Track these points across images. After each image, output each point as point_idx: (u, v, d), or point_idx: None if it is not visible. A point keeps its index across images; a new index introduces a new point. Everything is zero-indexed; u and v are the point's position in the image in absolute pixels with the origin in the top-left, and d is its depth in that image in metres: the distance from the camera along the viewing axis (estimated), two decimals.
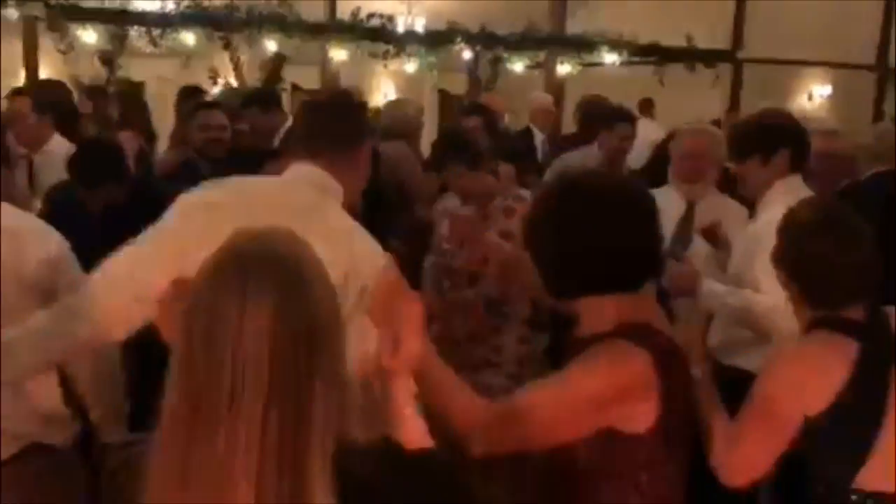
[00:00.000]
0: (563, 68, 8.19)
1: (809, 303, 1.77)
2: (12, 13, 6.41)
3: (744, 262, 2.54)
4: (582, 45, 8.06)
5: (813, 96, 10.22)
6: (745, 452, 1.67)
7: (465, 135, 3.48)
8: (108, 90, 6.33)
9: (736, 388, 1.80)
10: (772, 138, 2.59)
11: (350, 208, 1.80)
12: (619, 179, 1.83)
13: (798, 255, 1.78)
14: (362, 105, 2.02)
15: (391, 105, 4.72)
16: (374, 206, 3.66)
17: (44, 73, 6.87)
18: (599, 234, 1.50)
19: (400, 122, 4.44)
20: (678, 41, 8.41)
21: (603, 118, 4.60)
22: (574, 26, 8.39)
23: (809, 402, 1.64)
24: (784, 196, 2.50)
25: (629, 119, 4.58)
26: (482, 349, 3.08)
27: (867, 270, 1.73)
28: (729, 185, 3.16)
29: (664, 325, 1.58)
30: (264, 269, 0.94)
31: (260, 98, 4.81)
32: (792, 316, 2.26)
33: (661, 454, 1.47)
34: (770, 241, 2.38)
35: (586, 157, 4.53)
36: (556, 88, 8.10)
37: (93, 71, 6.83)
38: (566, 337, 1.63)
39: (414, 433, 1.18)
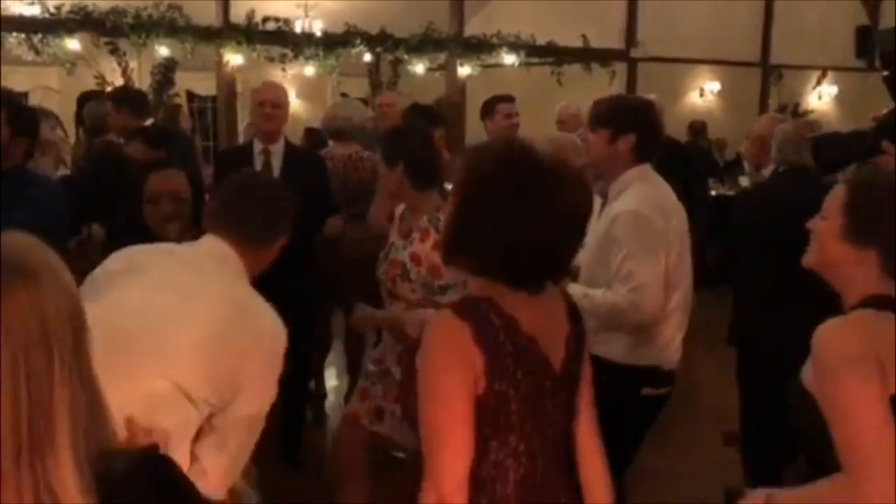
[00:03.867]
0: (464, 70, 8.24)
1: (887, 268, 1.62)
2: None
3: (599, 254, 2.56)
4: (481, 47, 8.13)
5: (704, 92, 10.62)
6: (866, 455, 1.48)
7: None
8: None
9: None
10: (625, 119, 2.61)
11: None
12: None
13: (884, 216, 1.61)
14: (287, 199, 2.04)
15: (338, 107, 4.61)
16: (326, 208, 3.73)
17: None
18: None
19: (351, 123, 4.36)
20: (574, 42, 8.59)
21: (484, 108, 4.63)
22: (472, 28, 8.46)
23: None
24: (638, 183, 2.61)
25: (508, 99, 4.64)
26: None
27: None
28: None
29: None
30: None
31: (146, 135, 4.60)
32: (637, 308, 2.41)
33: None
34: (628, 229, 2.47)
35: None
36: (458, 90, 8.14)
37: None
38: None
39: None
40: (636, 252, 2.46)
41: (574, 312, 1.66)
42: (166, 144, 3.99)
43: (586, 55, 8.69)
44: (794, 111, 9.97)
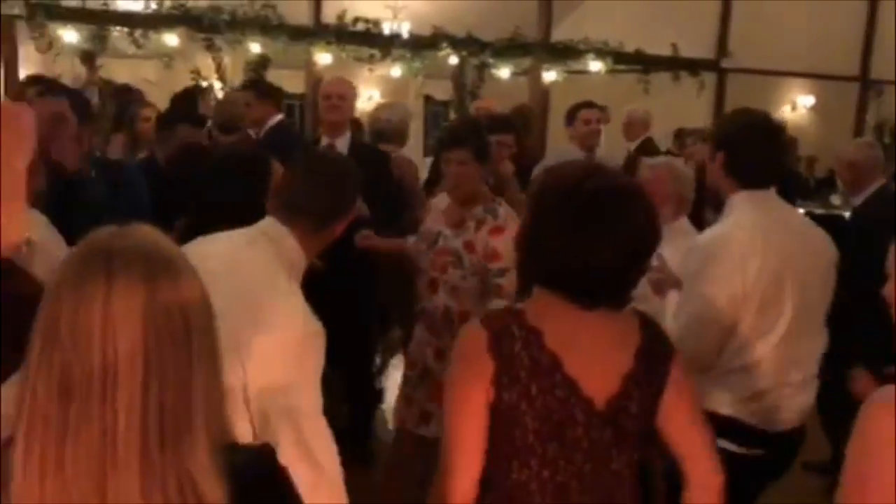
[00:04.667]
0: (549, 75, 8.19)
1: None
2: None
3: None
4: (568, 53, 8.07)
5: (797, 106, 10.30)
6: None
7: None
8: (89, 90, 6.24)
9: None
10: (719, 135, 2.42)
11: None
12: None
13: None
14: (351, 174, 1.94)
15: (381, 108, 4.70)
16: (389, 206, 3.72)
17: (23, 73, 6.78)
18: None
19: (391, 125, 4.43)
20: (663, 50, 8.44)
21: (567, 114, 4.73)
22: (559, 33, 8.40)
23: None
24: (738, 211, 2.33)
25: (590, 105, 4.68)
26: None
27: None
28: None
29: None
30: (130, 254, 0.94)
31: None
32: (680, 345, 1.95)
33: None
34: (691, 261, 2.26)
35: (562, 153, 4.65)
36: (542, 95, 8.11)
37: (72, 71, 6.75)
38: None
39: None
40: (692, 285, 2.26)
41: (648, 353, 1.56)
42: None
43: (675, 64, 8.53)
44: (894, 131, 9.56)
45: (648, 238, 1.54)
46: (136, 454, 0.90)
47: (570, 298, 1.51)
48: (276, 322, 1.66)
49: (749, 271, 2.20)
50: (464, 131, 3.00)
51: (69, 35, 6.70)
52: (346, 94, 3.93)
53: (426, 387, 2.84)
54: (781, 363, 2.28)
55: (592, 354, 1.53)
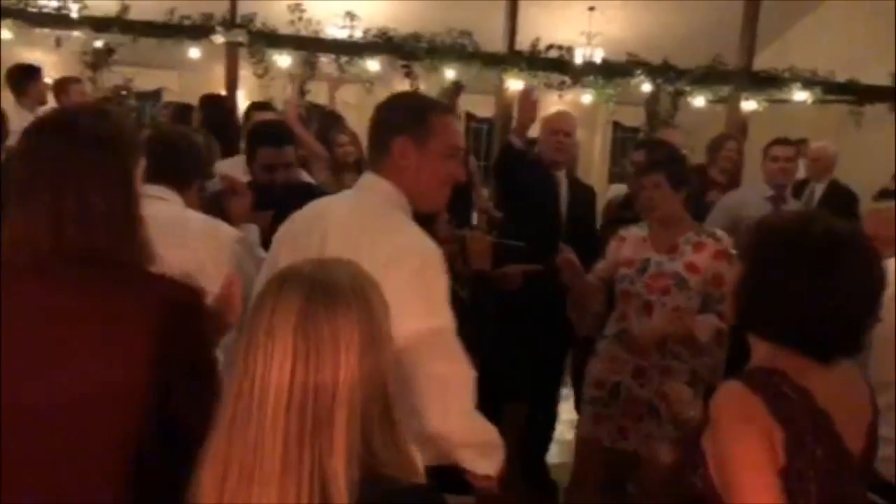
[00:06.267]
0: (748, 105, 7.82)
1: None
2: (218, 38, 6.96)
3: None
4: (771, 82, 7.66)
5: None
6: None
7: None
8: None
9: None
10: None
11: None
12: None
13: None
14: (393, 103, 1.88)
15: None
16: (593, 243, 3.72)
17: (241, 96, 7.40)
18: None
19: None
20: (881, 80, 7.81)
21: (763, 149, 4.40)
22: (762, 61, 8.00)
23: None
24: None
25: (784, 142, 4.36)
26: (647, 392, 2.94)
27: None
28: None
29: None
30: (296, 279, 1.08)
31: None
32: None
33: None
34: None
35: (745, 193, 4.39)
36: (740, 126, 7.74)
37: (283, 94, 7.26)
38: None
39: None
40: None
41: (874, 399, 1.53)
42: None
43: (894, 95, 7.86)
44: None
45: (882, 282, 1.47)
46: (277, 474, 1.01)
47: (806, 351, 1.45)
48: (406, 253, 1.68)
49: None
50: (659, 156, 3.12)
51: (283, 60, 7.24)
52: (573, 131, 3.90)
53: (619, 403, 2.99)
54: None
55: (850, 410, 1.47)
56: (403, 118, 1.79)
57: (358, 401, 1.03)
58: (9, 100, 5.00)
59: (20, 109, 4.80)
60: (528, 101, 3.66)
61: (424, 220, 1.86)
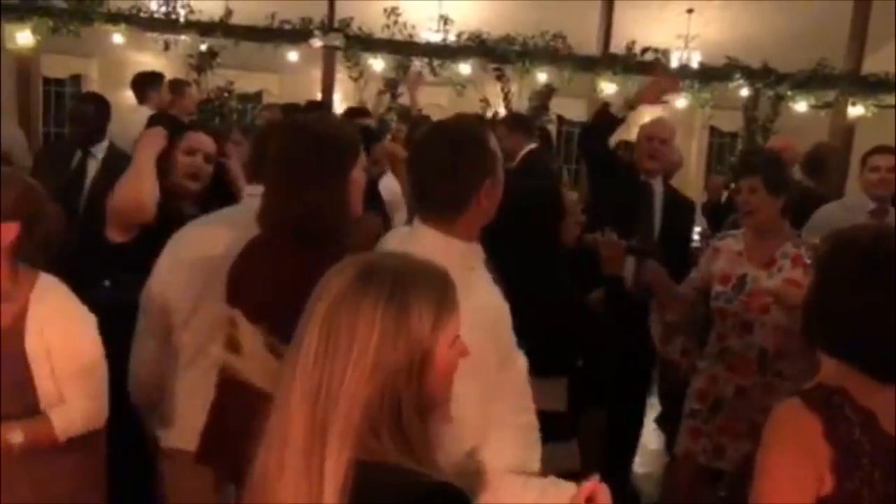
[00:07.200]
0: (855, 110, 7.47)
1: None
2: (316, 42, 7.15)
3: None
4: (882, 86, 7.29)
5: None
6: None
7: None
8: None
9: None
10: None
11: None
12: None
13: None
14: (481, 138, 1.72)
15: None
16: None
17: (337, 99, 7.58)
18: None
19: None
20: None
21: (861, 159, 4.08)
22: (871, 65, 7.63)
23: None
24: None
25: (884, 150, 3.98)
26: (749, 410, 2.84)
27: None
28: None
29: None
30: (349, 265, 1.11)
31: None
32: None
33: None
34: None
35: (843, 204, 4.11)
36: (845, 132, 7.41)
37: (376, 97, 7.40)
38: None
39: None
40: None
41: None
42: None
43: None
44: None
45: None
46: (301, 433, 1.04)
47: (874, 371, 1.42)
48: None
49: None
50: (757, 161, 3.01)
51: (377, 64, 7.37)
52: (669, 139, 3.75)
53: (720, 419, 2.91)
54: None
55: None
56: None
57: (363, 396, 1.03)
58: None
59: (139, 107, 5.29)
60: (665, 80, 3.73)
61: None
